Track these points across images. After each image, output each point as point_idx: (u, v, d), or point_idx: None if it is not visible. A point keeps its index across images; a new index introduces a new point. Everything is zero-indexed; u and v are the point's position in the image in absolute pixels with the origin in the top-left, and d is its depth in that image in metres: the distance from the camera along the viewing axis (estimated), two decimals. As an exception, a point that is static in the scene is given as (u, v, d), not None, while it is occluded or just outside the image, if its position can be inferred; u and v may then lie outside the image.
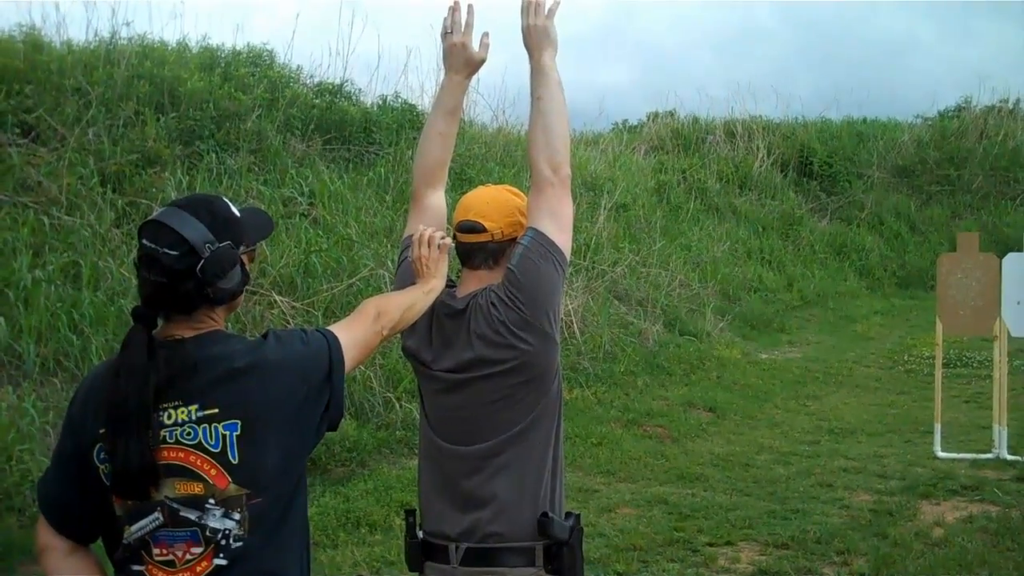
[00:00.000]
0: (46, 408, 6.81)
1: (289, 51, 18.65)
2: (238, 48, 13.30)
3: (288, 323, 8.86)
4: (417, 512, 3.07)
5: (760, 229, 19.49)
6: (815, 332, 16.00)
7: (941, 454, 8.64)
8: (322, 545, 6.40)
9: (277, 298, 9.09)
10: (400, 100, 14.07)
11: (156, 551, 2.24)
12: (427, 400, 3.05)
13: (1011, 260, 8.74)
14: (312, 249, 9.96)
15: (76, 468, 2.30)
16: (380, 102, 13.93)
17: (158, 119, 10.25)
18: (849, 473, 8.34)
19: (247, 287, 2.46)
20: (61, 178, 8.85)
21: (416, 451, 8.04)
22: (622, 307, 13.29)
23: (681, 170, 19.80)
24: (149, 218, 2.37)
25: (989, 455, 8.55)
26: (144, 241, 2.29)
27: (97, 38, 11.28)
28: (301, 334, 2.42)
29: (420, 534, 3.01)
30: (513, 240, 2.97)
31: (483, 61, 3.21)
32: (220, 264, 2.30)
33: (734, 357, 13.11)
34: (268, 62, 13.25)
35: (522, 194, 3.12)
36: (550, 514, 2.87)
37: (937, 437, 8.71)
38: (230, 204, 2.43)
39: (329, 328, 2.49)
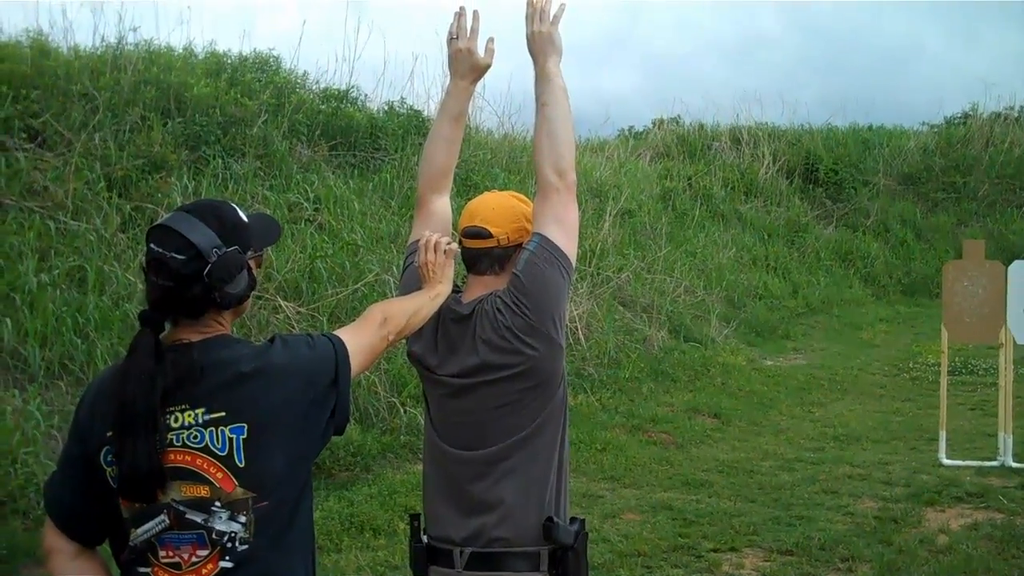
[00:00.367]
0: (51, 412, 6.82)
1: (295, 57, 18.60)
2: (244, 54, 13.33)
3: (293, 328, 8.87)
4: (422, 516, 3.07)
5: (765, 236, 19.47)
6: (820, 339, 15.98)
7: (946, 461, 8.63)
8: (326, 549, 6.40)
9: (282, 303, 9.09)
10: (406, 106, 14.10)
11: (162, 553, 2.24)
12: (432, 405, 3.05)
13: (1017, 268, 8.72)
14: (317, 254, 9.97)
15: (83, 471, 2.30)
16: (386, 108, 13.94)
17: (164, 124, 10.27)
18: (854, 480, 8.33)
19: (254, 292, 2.47)
20: (67, 183, 8.87)
21: (420, 456, 8.05)
22: (627, 313, 13.29)
23: (687, 177, 19.80)
24: (157, 223, 2.38)
25: (994, 462, 8.54)
26: (152, 245, 2.30)
27: (104, 44, 11.32)
28: (307, 339, 2.43)
29: (425, 538, 3.01)
30: (519, 246, 2.97)
31: (488, 66, 3.21)
32: (227, 269, 2.31)
33: (739, 364, 13.09)
34: (274, 68, 13.27)
35: (528, 200, 3.13)
36: (555, 519, 2.87)
37: (942, 444, 8.70)
38: (238, 209, 2.45)
39: (335, 333, 2.50)
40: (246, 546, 2.24)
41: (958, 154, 23.29)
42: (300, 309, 9.21)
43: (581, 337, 11.58)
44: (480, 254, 3.02)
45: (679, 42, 53.76)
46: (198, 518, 2.22)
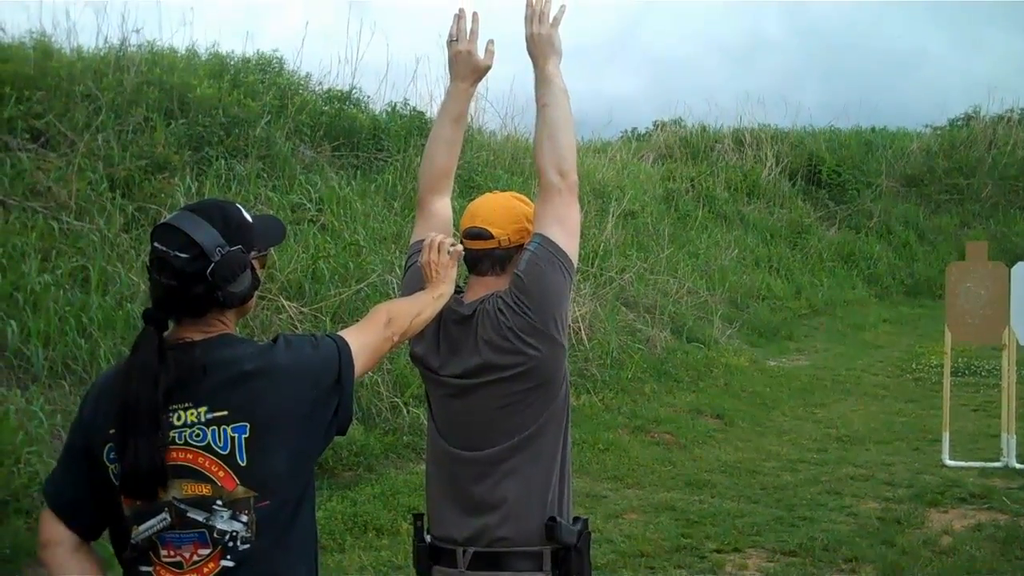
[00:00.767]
0: (54, 411, 6.82)
1: (298, 58, 18.66)
2: (247, 55, 13.33)
3: (296, 328, 8.87)
4: (425, 516, 3.07)
5: (768, 237, 19.49)
6: (823, 340, 15.98)
7: (949, 462, 8.63)
8: (329, 549, 6.40)
9: (285, 303, 9.09)
10: (409, 107, 14.10)
11: (164, 552, 2.25)
12: (435, 405, 3.04)
13: (1020, 269, 8.72)
14: (320, 255, 9.97)
15: (86, 465, 2.31)
16: (389, 109, 13.95)
17: (167, 125, 10.27)
18: (857, 481, 8.32)
19: (257, 291, 2.46)
20: (70, 183, 8.87)
21: (423, 456, 8.06)
22: (630, 314, 13.28)
23: (689, 178, 19.81)
24: (161, 221, 2.38)
25: (997, 463, 8.54)
26: (156, 244, 2.30)
27: (107, 45, 11.31)
28: (311, 339, 2.43)
29: (428, 538, 3.01)
30: (520, 247, 2.97)
31: (488, 68, 3.22)
32: (230, 268, 2.31)
33: (742, 364, 13.08)
34: (277, 69, 13.27)
35: (529, 201, 3.12)
36: (558, 518, 2.86)
37: (945, 445, 8.70)
38: (243, 210, 2.45)
39: (340, 333, 2.50)
40: (247, 545, 2.24)
41: (961, 156, 23.32)
42: (303, 309, 9.21)
43: (584, 337, 11.58)
44: (481, 255, 3.01)
45: (682, 44, 53.86)
46: (199, 517, 2.22)
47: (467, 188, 13.31)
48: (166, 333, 2.32)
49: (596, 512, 7.33)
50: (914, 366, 13.74)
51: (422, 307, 2.79)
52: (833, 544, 6.59)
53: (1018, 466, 8.43)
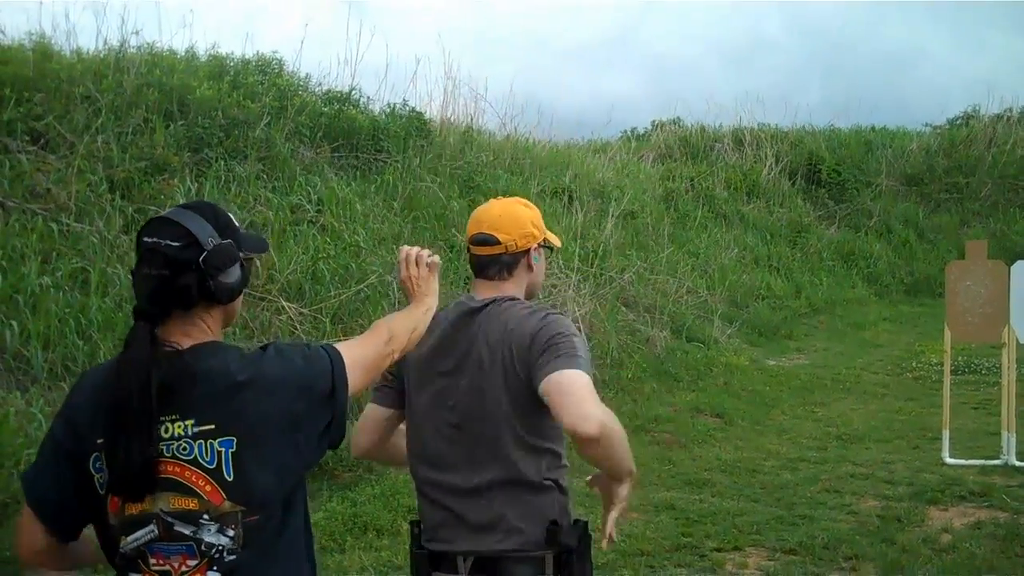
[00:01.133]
0: (53, 413, 6.82)
1: (298, 59, 18.64)
2: (247, 56, 13.33)
3: (296, 329, 8.88)
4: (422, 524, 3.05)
5: (768, 236, 19.50)
6: (823, 339, 15.99)
7: (949, 460, 8.63)
8: (329, 550, 6.41)
9: (285, 304, 9.10)
10: (408, 108, 14.10)
11: (152, 561, 2.23)
12: (416, 420, 3.02)
13: (1020, 267, 8.73)
14: (320, 256, 9.98)
15: (71, 470, 2.28)
16: (388, 110, 13.95)
17: (167, 127, 10.27)
18: (857, 479, 8.33)
19: (247, 291, 2.44)
20: (70, 185, 8.88)
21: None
22: (630, 314, 13.29)
23: (689, 178, 19.83)
24: (150, 218, 2.37)
25: (997, 461, 8.54)
26: (144, 239, 2.28)
27: (106, 46, 11.31)
28: (304, 350, 2.39)
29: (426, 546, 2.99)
30: (526, 251, 3.01)
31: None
32: (222, 257, 2.29)
33: (742, 364, 13.09)
34: (277, 70, 13.28)
35: (533, 205, 3.14)
36: (559, 522, 2.86)
37: (945, 443, 8.70)
38: (231, 214, 2.44)
39: (336, 345, 2.46)
40: (234, 556, 2.21)
41: (961, 155, 23.34)
42: (303, 310, 9.22)
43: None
44: (489, 260, 3.02)
45: (682, 44, 53.88)
46: (186, 530, 2.20)
47: (467, 188, 13.34)
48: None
49: (596, 511, 7.31)
50: (914, 364, 13.74)
51: (416, 322, 2.77)
52: (833, 542, 6.60)
53: (1018, 464, 8.43)
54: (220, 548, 2.20)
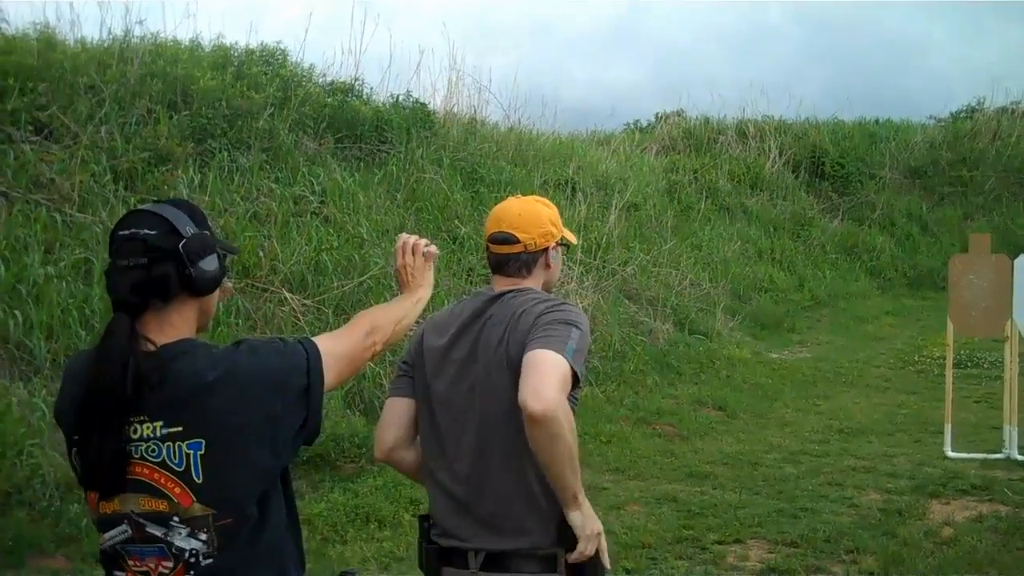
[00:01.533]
0: (57, 403, 6.83)
1: (302, 50, 18.64)
2: (251, 47, 13.28)
3: (298, 320, 8.89)
4: (431, 518, 3.03)
5: (771, 229, 19.48)
6: (826, 332, 15.99)
7: (951, 454, 8.64)
8: (331, 541, 6.42)
9: (288, 295, 9.11)
10: (412, 99, 14.08)
11: (131, 562, 2.22)
12: (429, 410, 3.02)
13: (1023, 261, 8.72)
14: (323, 247, 9.98)
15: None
16: (392, 101, 13.93)
17: (171, 117, 10.26)
18: (859, 472, 8.33)
19: (230, 280, 2.42)
20: (74, 175, 8.88)
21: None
22: (632, 306, 13.29)
23: (692, 170, 19.79)
24: (121, 216, 2.33)
25: (999, 455, 8.55)
26: (119, 232, 2.25)
27: (110, 36, 11.28)
28: (278, 345, 2.34)
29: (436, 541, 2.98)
30: (545, 250, 3.04)
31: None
32: (202, 244, 2.27)
33: (744, 356, 13.09)
34: (280, 61, 13.24)
35: (551, 204, 3.16)
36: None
37: (947, 437, 8.71)
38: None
39: (315, 339, 2.40)
40: (211, 560, 2.18)
41: (965, 148, 23.27)
42: (306, 302, 9.23)
43: (588, 333, 11.57)
44: (508, 258, 3.03)
45: (685, 36, 53.76)
46: (158, 532, 2.17)
47: (470, 180, 13.33)
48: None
49: (598, 504, 7.28)
50: (916, 358, 13.74)
51: (403, 313, 2.73)
52: (835, 535, 6.61)
53: (1020, 458, 8.44)
54: (195, 552, 2.17)
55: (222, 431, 2.17)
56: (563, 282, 11.99)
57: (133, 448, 2.16)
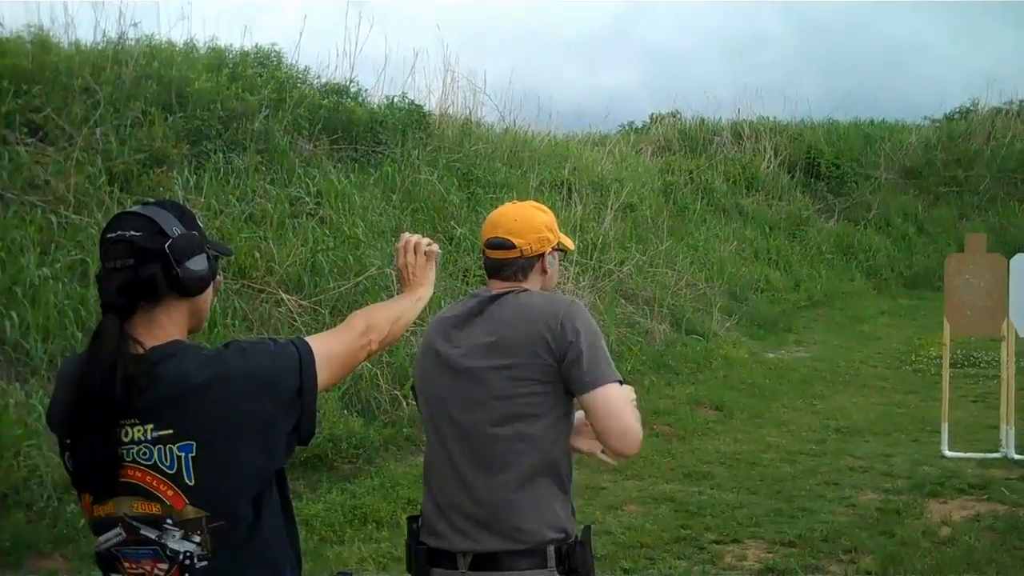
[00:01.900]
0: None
1: (296, 52, 18.54)
2: (246, 49, 13.28)
3: (295, 321, 8.89)
4: (420, 519, 3.04)
5: (767, 229, 19.50)
6: (822, 332, 16.00)
7: (948, 453, 8.63)
8: (329, 541, 6.41)
9: (284, 296, 9.11)
10: (407, 101, 14.10)
11: (126, 565, 2.21)
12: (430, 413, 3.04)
13: (1019, 261, 8.73)
14: (319, 248, 9.98)
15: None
16: (387, 102, 13.94)
17: (166, 119, 10.26)
18: (856, 472, 8.34)
19: (222, 280, 2.41)
20: (69, 177, 8.87)
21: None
22: (629, 306, 13.29)
23: (688, 171, 19.81)
24: (111, 218, 2.32)
25: (996, 454, 8.55)
26: (108, 235, 2.24)
27: (105, 39, 11.29)
28: (269, 346, 2.31)
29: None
30: (541, 255, 3.05)
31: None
32: (189, 244, 2.25)
33: (741, 356, 13.10)
34: (275, 63, 13.24)
35: (548, 209, 3.17)
36: (559, 513, 2.88)
37: (944, 436, 8.71)
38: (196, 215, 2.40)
39: (308, 339, 2.37)
40: (205, 562, 2.17)
41: (960, 148, 23.32)
42: (302, 302, 9.22)
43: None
44: (504, 263, 3.04)
45: (681, 38, 53.85)
46: (151, 534, 2.16)
47: (466, 181, 13.34)
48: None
49: (596, 503, 7.34)
50: (913, 357, 13.75)
51: (402, 311, 2.71)
52: (832, 535, 6.60)
53: (1017, 457, 8.44)
54: (189, 554, 2.16)
55: (213, 433, 2.15)
56: (560, 282, 11.98)
57: (125, 451, 2.15)
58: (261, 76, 12.25)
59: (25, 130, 9.17)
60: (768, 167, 21.46)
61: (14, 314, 7.34)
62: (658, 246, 15.29)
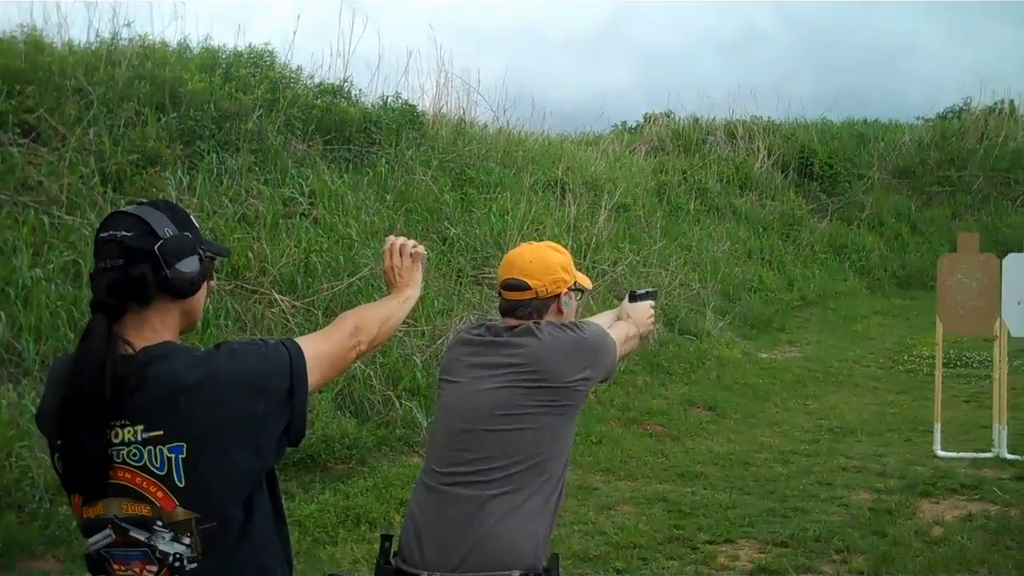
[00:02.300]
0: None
1: (290, 52, 18.64)
2: (239, 49, 13.28)
3: (288, 321, 8.88)
4: (394, 539, 3.05)
5: (760, 229, 19.51)
6: (815, 332, 16.00)
7: (941, 453, 8.64)
8: (322, 542, 6.41)
9: (277, 297, 9.10)
10: (400, 101, 14.11)
11: (116, 567, 2.21)
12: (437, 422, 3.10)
13: (1011, 260, 8.74)
14: (312, 249, 9.98)
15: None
16: (380, 102, 13.94)
17: (159, 119, 10.25)
18: (848, 472, 8.34)
19: (215, 283, 2.41)
20: (62, 177, 8.86)
21: (415, 448, 8.07)
22: (622, 307, 13.27)
23: (682, 171, 19.82)
24: (105, 217, 2.33)
25: (989, 454, 8.55)
26: (100, 235, 2.25)
27: (98, 39, 11.27)
28: (259, 347, 2.31)
29: (394, 562, 3.00)
30: (557, 296, 3.10)
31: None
32: (180, 245, 2.25)
33: (734, 356, 13.11)
34: (269, 62, 13.23)
35: (564, 250, 3.23)
36: (534, 552, 2.91)
37: (937, 436, 8.71)
38: (191, 215, 2.40)
39: (298, 340, 2.37)
40: (195, 564, 2.17)
41: (952, 148, 23.35)
42: (295, 303, 9.22)
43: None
44: (519, 304, 3.09)
45: (674, 37, 53.85)
46: (141, 536, 2.16)
47: (459, 181, 13.34)
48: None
49: (589, 504, 7.35)
50: (906, 357, 13.77)
51: (389, 312, 2.71)
52: (825, 535, 6.61)
53: (1009, 457, 8.44)
54: (179, 556, 2.16)
55: (203, 435, 2.15)
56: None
57: (115, 452, 2.15)
58: (254, 76, 12.24)
59: (18, 130, 9.17)
60: (761, 167, 21.48)
61: (5, 315, 7.33)
62: (651, 246, 15.30)
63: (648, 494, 7.69)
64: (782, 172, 21.94)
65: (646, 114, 25.54)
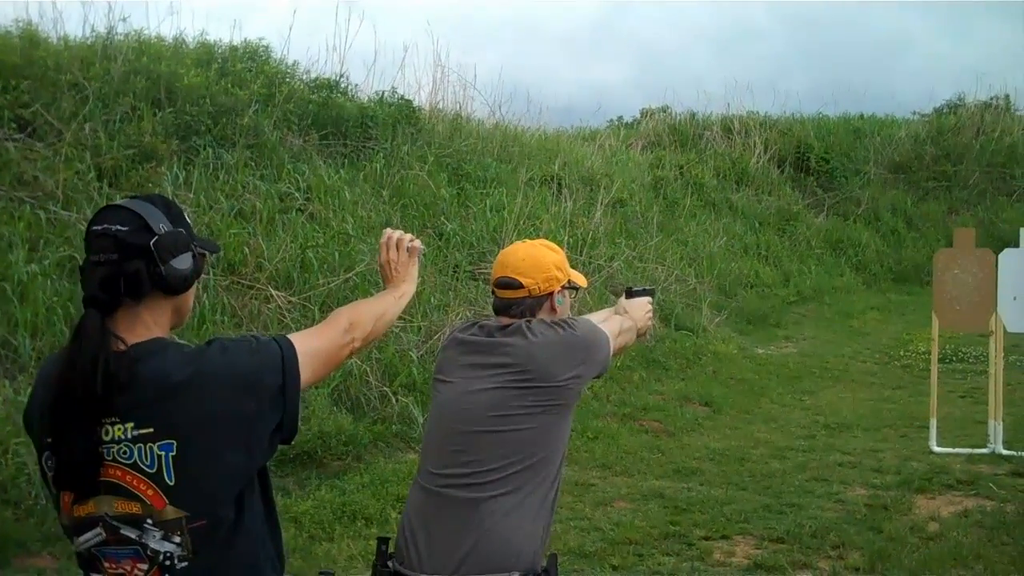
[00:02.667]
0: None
1: (286, 46, 18.51)
2: (235, 44, 13.24)
3: (284, 317, 8.87)
4: (390, 541, 3.04)
5: (757, 225, 19.49)
6: (811, 327, 16.01)
7: (937, 449, 8.65)
8: (318, 539, 6.41)
9: (273, 292, 9.09)
10: (397, 96, 14.06)
11: (106, 564, 2.20)
12: (431, 421, 3.11)
13: (1007, 256, 8.73)
14: (308, 244, 9.97)
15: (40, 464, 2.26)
16: (377, 97, 13.91)
17: (155, 114, 10.23)
18: (844, 468, 8.36)
19: (203, 280, 2.40)
20: (58, 173, 8.84)
21: (411, 444, 8.06)
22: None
23: (678, 166, 19.79)
24: (97, 210, 2.30)
25: (984, 450, 8.56)
26: (93, 228, 2.22)
27: (94, 34, 11.25)
28: (251, 343, 2.29)
29: (391, 564, 3.00)
30: (550, 294, 3.09)
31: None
32: (174, 241, 2.23)
33: (730, 352, 13.12)
34: (265, 57, 13.20)
35: (558, 248, 3.21)
36: (532, 553, 2.91)
37: (933, 432, 8.72)
38: (184, 210, 2.38)
39: (290, 336, 2.35)
40: (186, 563, 2.16)
41: (949, 143, 23.34)
42: (291, 299, 9.21)
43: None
44: (512, 303, 3.08)
45: (670, 32, 53.74)
46: (132, 534, 2.15)
47: (455, 176, 13.32)
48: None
49: (585, 500, 7.36)
50: (902, 353, 13.78)
51: (385, 308, 2.70)
52: (821, 531, 6.62)
53: (1005, 452, 8.45)
54: (169, 555, 2.15)
55: (193, 432, 2.14)
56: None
57: (106, 450, 2.14)
58: (250, 71, 12.22)
59: (14, 126, 9.14)
60: (758, 162, 21.46)
61: (1, 310, 7.33)
62: (648, 241, 15.30)
63: (644, 490, 7.69)
64: (778, 167, 21.92)
65: (642, 109, 25.55)
